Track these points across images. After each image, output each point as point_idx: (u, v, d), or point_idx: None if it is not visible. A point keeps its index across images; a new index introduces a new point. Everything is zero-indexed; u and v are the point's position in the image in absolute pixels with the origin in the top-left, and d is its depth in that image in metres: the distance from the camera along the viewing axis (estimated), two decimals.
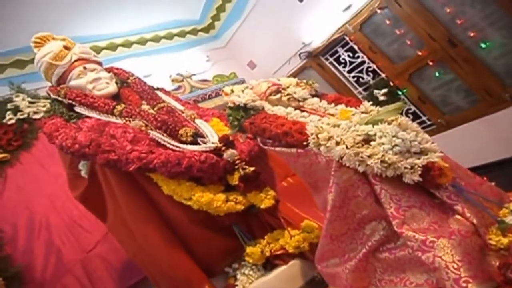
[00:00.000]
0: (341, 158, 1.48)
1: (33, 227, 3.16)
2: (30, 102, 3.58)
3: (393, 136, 1.46)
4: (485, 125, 3.60)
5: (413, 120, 3.99)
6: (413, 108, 4.14)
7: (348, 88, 4.56)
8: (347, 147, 1.47)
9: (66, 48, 2.51)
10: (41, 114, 3.36)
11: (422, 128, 3.94)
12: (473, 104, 3.69)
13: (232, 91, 2.02)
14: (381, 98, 4.06)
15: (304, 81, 2.15)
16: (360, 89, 4.51)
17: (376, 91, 4.11)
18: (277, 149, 1.78)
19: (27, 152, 3.43)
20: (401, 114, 3.22)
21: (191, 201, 2.04)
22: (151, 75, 4.45)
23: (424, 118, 4.11)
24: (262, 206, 2.11)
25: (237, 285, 2.12)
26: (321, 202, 1.70)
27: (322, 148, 1.53)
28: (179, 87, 4.68)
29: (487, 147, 3.58)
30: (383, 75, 4.14)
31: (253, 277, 2.13)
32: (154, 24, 4.91)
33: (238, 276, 2.15)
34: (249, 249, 2.12)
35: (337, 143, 1.50)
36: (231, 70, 5.25)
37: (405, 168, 1.39)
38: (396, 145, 1.44)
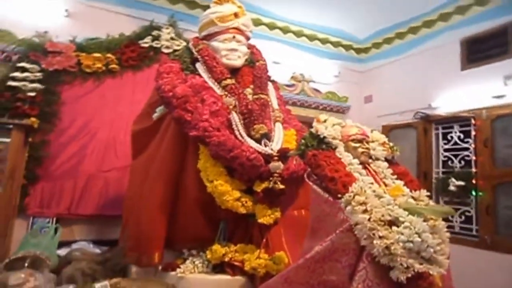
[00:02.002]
0: (356, 224, 1.50)
1: (84, 130, 3.44)
2: (171, 38, 3.87)
3: (416, 233, 1.46)
4: None
5: (463, 223, 3.93)
6: (473, 212, 3.86)
7: (431, 163, 4.35)
8: (369, 219, 1.49)
9: (235, 15, 2.72)
10: (170, 51, 3.68)
11: (464, 235, 3.88)
12: None
13: (325, 121, 2.03)
14: (452, 188, 3.90)
15: (391, 144, 2.12)
16: (441, 169, 4.29)
17: (452, 179, 3.92)
18: (314, 186, 1.82)
19: (133, 73, 3.71)
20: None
21: (209, 184, 2.20)
22: (280, 64, 4.69)
23: (473, 226, 3.85)
24: (260, 221, 2.19)
25: (180, 268, 2.19)
26: (307, 247, 1.75)
27: (348, 207, 1.55)
28: (293, 85, 4.86)
29: None
30: (473, 170, 3.88)
31: (198, 270, 2.19)
32: (319, 24, 5.10)
33: (187, 262, 2.24)
34: (215, 246, 2.20)
35: (364, 211, 1.52)
36: (347, 93, 5.29)
37: (401, 265, 1.39)
38: (412, 241, 1.44)
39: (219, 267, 2.22)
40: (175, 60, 2.62)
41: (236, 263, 2.17)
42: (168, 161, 2.40)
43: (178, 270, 2.19)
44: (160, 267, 2.26)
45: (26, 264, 2.40)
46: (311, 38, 5.22)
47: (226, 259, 2.18)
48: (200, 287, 2.09)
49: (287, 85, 4.81)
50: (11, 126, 2.81)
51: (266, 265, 2.09)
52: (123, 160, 3.38)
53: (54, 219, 3.14)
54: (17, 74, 3.12)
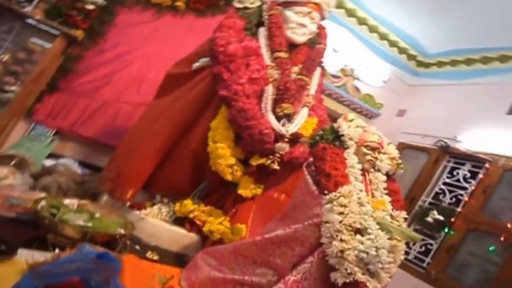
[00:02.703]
0: (326, 222, 1.55)
1: (121, 57, 3.40)
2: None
3: (375, 247, 1.47)
4: None
5: (420, 253, 3.93)
6: (434, 247, 3.89)
7: (424, 190, 4.34)
8: (340, 222, 1.53)
9: None
10: (241, 6, 3.42)
11: (414, 264, 3.89)
12: None
13: (351, 120, 2.05)
14: (429, 219, 3.92)
15: (400, 161, 2.10)
16: (430, 199, 4.27)
17: (434, 212, 3.92)
18: (308, 177, 1.86)
19: (195, 17, 3.61)
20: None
21: (212, 143, 2.24)
22: (338, 52, 4.55)
23: (427, 259, 3.90)
24: (239, 191, 2.24)
25: (146, 209, 2.29)
26: (269, 228, 1.83)
27: (328, 205, 1.59)
28: (339, 77, 4.74)
29: None
30: (459, 209, 3.86)
31: (161, 216, 2.27)
32: (397, 26, 4.84)
33: (154, 207, 2.32)
34: (187, 201, 2.26)
35: (340, 213, 1.56)
36: (384, 101, 5.09)
37: (345, 270, 1.43)
38: (367, 253, 1.46)
39: (180, 220, 2.27)
40: (242, 17, 2.54)
41: (197, 221, 2.21)
42: (186, 111, 2.43)
43: (143, 211, 2.25)
44: (128, 204, 2.31)
45: (12, 163, 2.50)
46: (383, 37, 5.00)
47: (191, 216, 2.23)
48: (155, 232, 2.15)
49: (333, 75, 4.66)
50: (57, 32, 2.78)
51: (224, 232, 2.13)
52: (143, 97, 3.37)
53: (54, 130, 3.21)
54: None
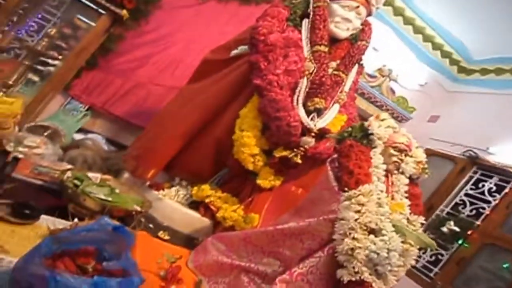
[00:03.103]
0: (341, 219, 1.52)
1: (161, 40, 3.45)
2: None
3: (387, 249, 1.44)
4: None
5: (429, 262, 3.83)
6: (444, 258, 3.76)
7: (444, 199, 4.18)
8: (355, 220, 1.50)
9: None
10: None
11: (421, 272, 3.77)
12: None
13: (382, 120, 2.02)
14: (445, 229, 3.79)
15: (426, 166, 2.04)
16: (449, 209, 4.11)
17: (450, 222, 3.79)
18: (330, 172, 1.85)
19: (238, 4, 3.62)
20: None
21: (238, 131, 2.25)
22: (378, 51, 4.40)
23: (436, 269, 3.79)
24: (258, 182, 2.24)
25: (164, 190, 2.32)
26: (283, 220, 1.81)
27: (346, 202, 1.57)
28: (375, 77, 4.61)
29: None
30: (478, 223, 3.71)
31: (178, 198, 2.31)
32: (444, 28, 4.67)
33: (173, 188, 2.36)
34: (205, 186, 2.29)
35: (357, 211, 1.53)
36: (417, 104, 4.89)
37: (353, 268, 1.40)
38: (378, 254, 1.42)
39: (195, 204, 2.30)
40: (287, 7, 2.51)
41: (212, 207, 2.23)
42: (217, 98, 2.45)
43: (161, 191, 2.29)
44: (148, 183, 2.36)
45: (45, 134, 2.63)
46: (427, 38, 4.79)
47: (207, 200, 2.25)
48: (169, 213, 2.18)
49: (369, 75, 4.54)
50: (102, 11, 2.87)
51: (236, 220, 2.14)
52: (176, 81, 3.40)
53: (87, 106, 3.32)
54: None
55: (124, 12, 3.03)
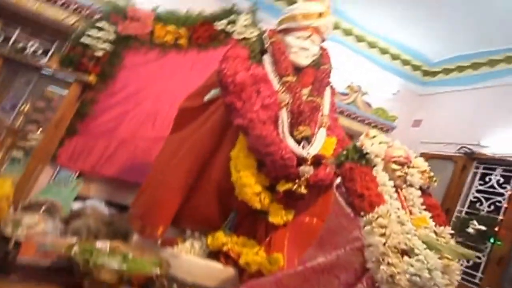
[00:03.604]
0: (369, 246, 1.47)
1: (132, 97, 3.47)
2: (245, 26, 3.72)
3: (427, 269, 1.38)
4: None
5: (469, 268, 3.73)
6: (483, 260, 3.64)
7: (458, 200, 4.14)
8: (384, 244, 1.45)
9: (320, 15, 2.62)
10: (241, 37, 3.62)
11: (466, 280, 3.61)
12: None
13: (373, 137, 2.02)
14: (471, 230, 3.68)
15: (432, 174, 2.04)
16: (466, 209, 4.06)
17: (474, 222, 3.70)
18: (340, 198, 1.80)
19: (197, 52, 3.66)
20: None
21: (236, 173, 2.20)
22: (341, 70, 4.44)
23: (478, 274, 3.66)
24: (271, 219, 2.18)
25: (178, 246, 2.24)
26: (309, 256, 1.73)
27: (367, 227, 1.52)
28: (347, 94, 4.73)
29: None
30: (500, 217, 3.64)
31: (194, 252, 2.20)
32: (396, 39, 4.92)
33: (187, 242, 2.26)
34: (219, 234, 2.21)
35: (382, 235, 1.48)
36: (397, 113, 5.02)
37: None
38: (420, 276, 1.37)
39: (214, 254, 2.22)
40: (244, 47, 2.58)
41: (232, 254, 2.15)
42: (204, 142, 2.43)
43: (175, 247, 2.21)
44: (159, 241, 2.28)
45: (42, 209, 2.52)
46: (383, 51, 5.02)
47: (225, 249, 2.17)
48: (191, 269, 2.08)
49: (341, 93, 4.64)
50: (71, 80, 2.93)
51: (261, 263, 2.07)
52: (158, 132, 3.41)
53: (77, 173, 3.24)
54: (93, 32, 3.23)
55: (92, 77, 3.15)
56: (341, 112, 4.53)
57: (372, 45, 4.95)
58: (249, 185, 2.18)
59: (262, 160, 2.21)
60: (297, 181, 2.16)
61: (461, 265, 3.61)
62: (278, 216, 2.21)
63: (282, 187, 2.18)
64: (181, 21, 3.58)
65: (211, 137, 2.43)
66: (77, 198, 2.83)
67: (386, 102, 5.00)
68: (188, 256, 2.17)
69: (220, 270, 2.15)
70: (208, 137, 2.44)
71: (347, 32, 4.78)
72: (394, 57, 5.09)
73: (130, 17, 3.40)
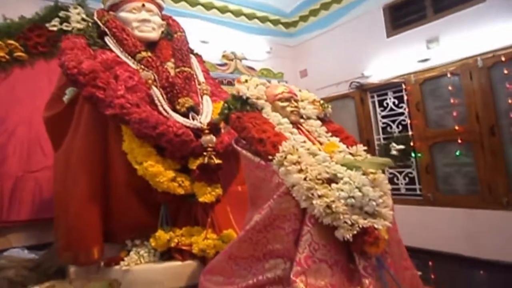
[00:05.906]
0: (293, 186, 1.41)
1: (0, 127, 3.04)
2: (82, 19, 3.15)
3: (357, 187, 1.40)
4: (467, 218, 3.58)
5: (407, 184, 4.09)
6: (414, 173, 4.08)
7: (372, 130, 4.52)
8: (305, 179, 1.40)
9: None
10: (70, 28, 3.06)
11: (409, 195, 4.07)
12: (470, 193, 3.64)
13: (246, 81, 1.92)
14: (394, 152, 4.06)
15: (321, 101, 2.07)
16: (381, 136, 4.46)
17: (393, 144, 4.11)
18: (244, 151, 1.72)
19: (46, 61, 3.28)
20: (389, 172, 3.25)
21: (139, 166, 2.02)
22: (208, 43, 4.48)
23: (417, 186, 4.09)
24: (201, 199, 2.07)
25: (124, 261, 2.04)
26: (247, 218, 1.67)
27: (282, 169, 1.46)
28: (225, 64, 4.71)
29: (456, 238, 3.59)
30: (410, 133, 4.09)
31: (144, 260, 2.05)
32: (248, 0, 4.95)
33: (131, 253, 2.08)
34: (159, 233, 2.06)
35: (299, 171, 1.43)
36: (281, 69, 5.24)
37: (345, 222, 1.33)
38: (353, 197, 1.38)
39: (167, 254, 2.10)
40: (78, 35, 2.37)
41: (184, 247, 2.06)
42: (87, 149, 2.17)
43: (122, 263, 2.03)
44: (102, 263, 2.08)
45: None
46: (237, 13, 5.03)
47: (173, 245, 2.06)
48: (148, 278, 1.95)
49: (219, 65, 4.65)
50: None
51: (215, 245, 2.01)
52: (51, 158, 2.97)
53: None
54: None
55: None
56: (229, 83, 4.53)
57: (222, 10, 4.93)
58: (160, 173, 2.02)
59: (158, 143, 2.06)
60: (204, 153, 2.08)
61: (401, 184, 4.08)
62: (207, 194, 2.10)
63: (193, 164, 2.09)
64: (3, 32, 3.11)
65: (91, 141, 2.18)
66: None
67: (266, 62, 5.16)
68: (140, 266, 2.01)
69: (179, 266, 2.04)
70: (88, 141, 2.18)
71: (192, 2, 4.67)
72: (250, 17, 5.17)
73: None
